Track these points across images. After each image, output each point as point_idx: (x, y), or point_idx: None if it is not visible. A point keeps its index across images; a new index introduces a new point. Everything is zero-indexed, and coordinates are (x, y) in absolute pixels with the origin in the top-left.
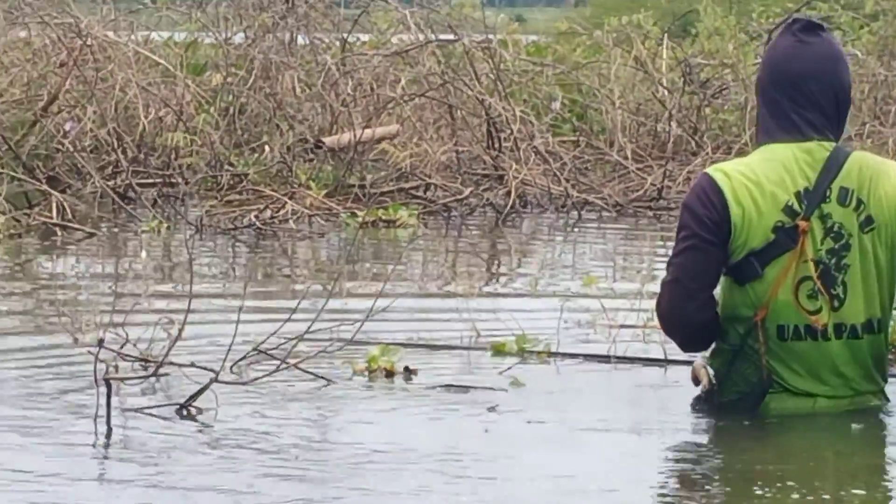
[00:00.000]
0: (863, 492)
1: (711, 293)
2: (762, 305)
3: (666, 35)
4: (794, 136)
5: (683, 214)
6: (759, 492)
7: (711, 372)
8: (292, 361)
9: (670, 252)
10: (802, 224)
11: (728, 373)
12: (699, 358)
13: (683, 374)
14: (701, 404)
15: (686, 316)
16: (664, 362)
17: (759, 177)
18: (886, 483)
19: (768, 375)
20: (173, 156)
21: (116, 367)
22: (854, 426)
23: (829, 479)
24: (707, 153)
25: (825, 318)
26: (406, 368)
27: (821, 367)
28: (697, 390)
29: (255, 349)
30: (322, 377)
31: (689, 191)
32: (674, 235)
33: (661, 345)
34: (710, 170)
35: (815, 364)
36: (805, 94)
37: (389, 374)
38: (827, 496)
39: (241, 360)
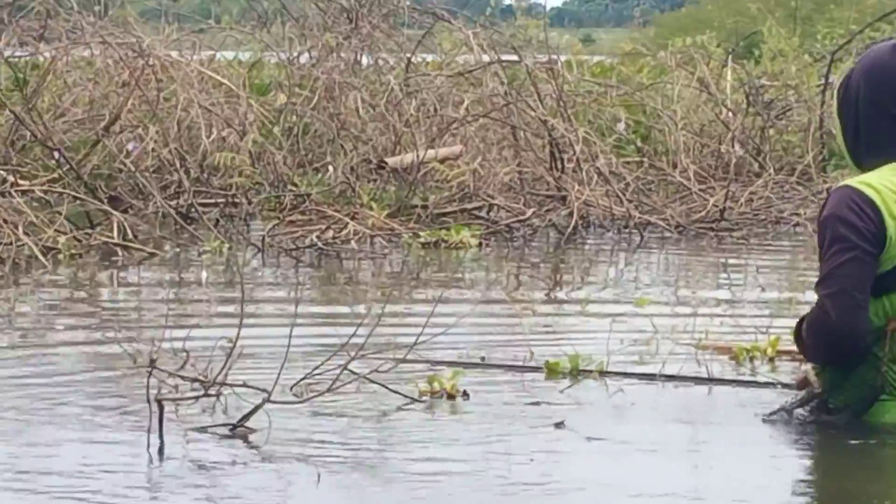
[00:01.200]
0: None
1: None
2: (894, 316)
3: (730, 56)
4: None
5: (838, 227)
6: None
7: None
8: (345, 380)
9: (820, 268)
10: None
11: (845, 379)
12: (809, 366)
13: (731, 392)
14: (782, 411)
15: (857, 326)
16: (713, 381)
17: (885, 194)
18: None
19: (885, 383)
20: (232, 176)
21: (176, 387)
22: None
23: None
24: (770, 174)
25: None
26: (464, 392)
27: None
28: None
29: (311, 372)
30: (393, 390)
31: (836, 204)
32: (735, 256)
33: (706, 365)
34: (853, 183)
35: None
36: None
37: (450, 395)
38: None
39: (301, 380)
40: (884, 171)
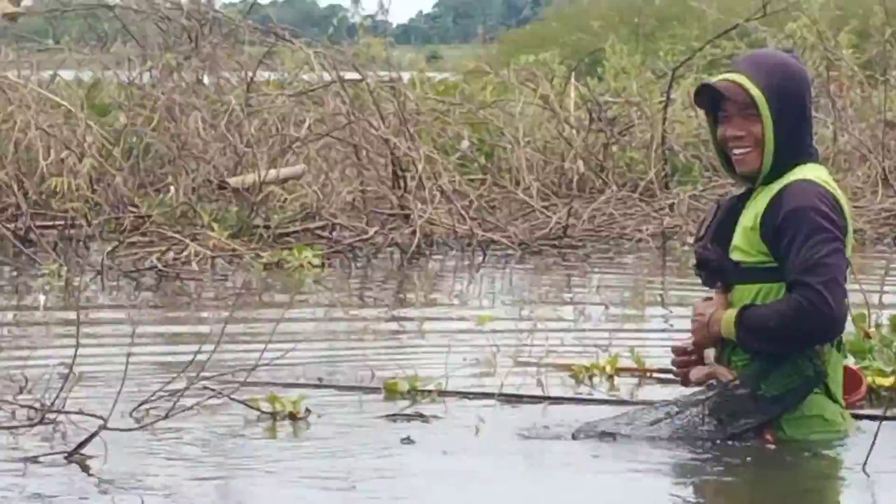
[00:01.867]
0: None
1: None
2: None
3: (573, 73)
4: (817, 157)
5: (817, 218)
6: None
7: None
8: (188, 403)
9: (792, 258)
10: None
11: (778, 368)
12: (711, 360)
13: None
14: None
15: (845, 313)
16: (548, 399)
17: (839, 192)
18: None
19: (821, 372)
20: (71, 200)
21: (13, 414)
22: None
23: None
24: (613, 191)
25: None
26: (307, 410)
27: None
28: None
29: (152, 396)
30: (247, 403)
31: (807, 197)
32: (578, 273)
33: (544, 383)
34: (814, 178)
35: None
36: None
37: (293, 416)
38: None
39: (140, 405)
40: (819, 171)
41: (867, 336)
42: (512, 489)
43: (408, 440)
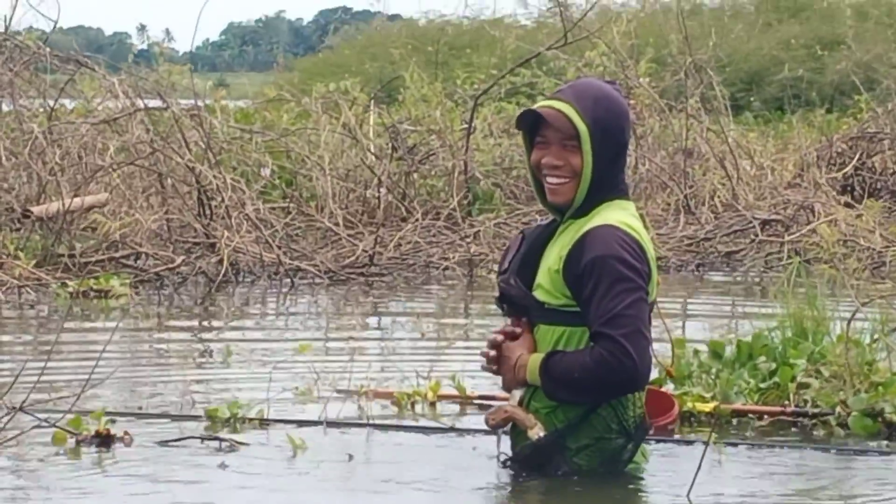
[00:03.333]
0: None
1: None
2: None
3: (372, 101)
4: (626, 194)
5: (618, 267)
6: None
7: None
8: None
9: (592, 308)
10: (659, 280)
11: (584, 421)
12: (515, 402)
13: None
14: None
15: (649, 364)
16: (373, 426)
17: (644, 235)
18: None
19: (626, 424)
20: None
21: None
22: None
23: None
24: (417, 219)
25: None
26: (125, 433)
27: None
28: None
29: None
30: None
31: (608, 244)
32: (385, 301)
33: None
34: (617, 224)
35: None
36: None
37: (105, 441)
38: None
39: None
40: (626, 211)
41: (669, 374)
42: None
43: (223, 466)
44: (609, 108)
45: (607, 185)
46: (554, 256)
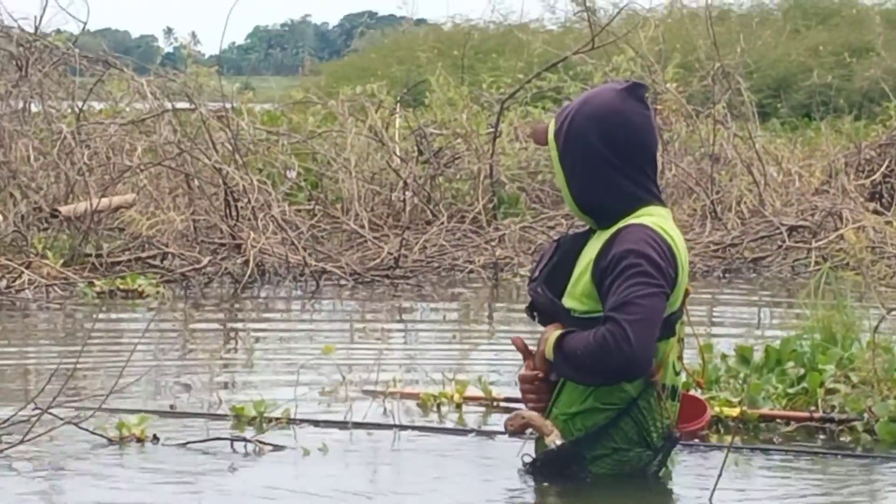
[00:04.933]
0: None
1: None
2: (659, 364)
3: (398, 104)
4: (659, 201)
5: (642, 263)
6: None
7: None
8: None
9: (610, 294)
10: (690, 289)
11: (604, 431)
12: (527, 411)
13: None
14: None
15: (649, 357)
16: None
17: (678, 240)
18: None
19: (647, 434)
20: None
21: None
22: None
23: None
24: (442, 222)
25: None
26: (154, 437)
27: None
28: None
29: (3, 423)
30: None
31: (637, 241)
32: (410, 302)
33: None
34: (651, 224)
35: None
36: (655, 164)
37: (140, 439)
38: None
39: None
40: (659, 217)
41: (699, 385)
42: None
43: (248, 466)
44: (591, 114)
45: (616, 191)
46: (584, 261)
